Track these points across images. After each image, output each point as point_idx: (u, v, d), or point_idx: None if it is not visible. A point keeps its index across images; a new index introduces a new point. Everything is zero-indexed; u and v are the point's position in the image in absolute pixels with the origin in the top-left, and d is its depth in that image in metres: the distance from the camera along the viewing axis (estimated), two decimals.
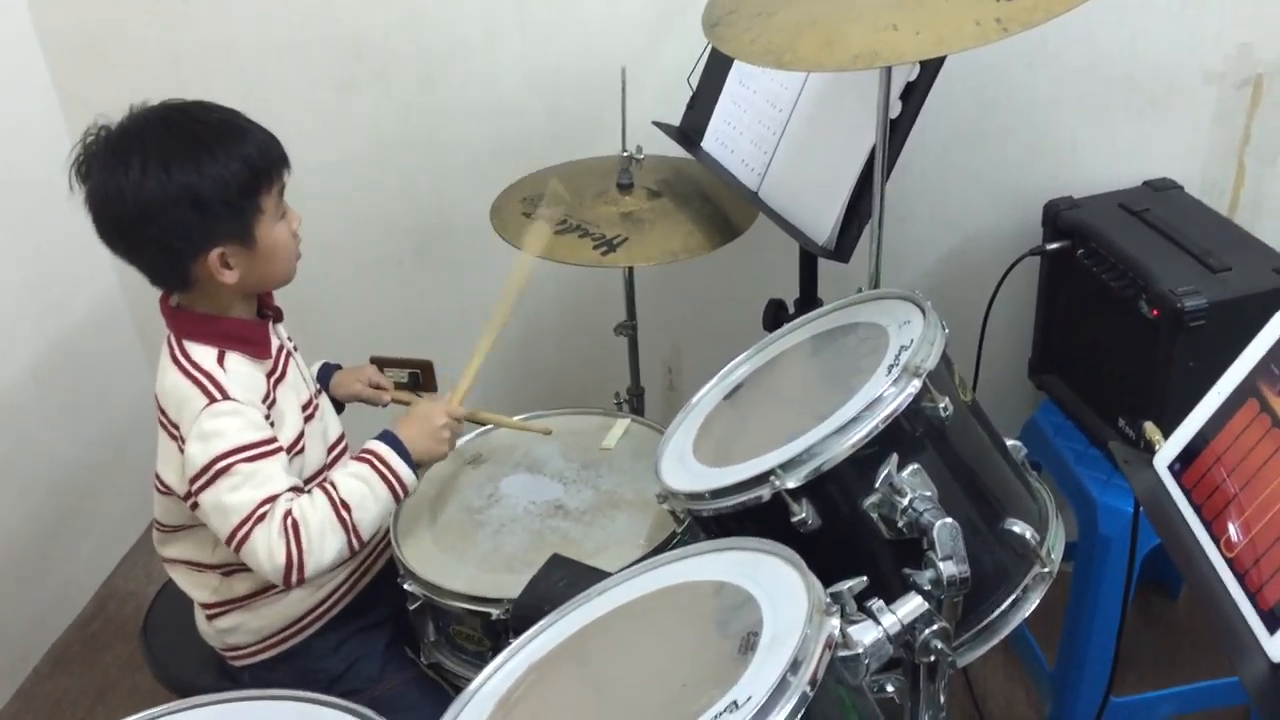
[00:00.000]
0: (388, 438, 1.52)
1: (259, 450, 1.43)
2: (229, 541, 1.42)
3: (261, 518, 1.40)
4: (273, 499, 1.41)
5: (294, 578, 1.41)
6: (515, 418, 1.81)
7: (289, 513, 1.41)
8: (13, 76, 2.27)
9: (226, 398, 1.43)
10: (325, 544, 1.42)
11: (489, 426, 1.85)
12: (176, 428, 1.45)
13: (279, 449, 1.46)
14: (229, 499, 1.40)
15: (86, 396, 2.47)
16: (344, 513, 1.44)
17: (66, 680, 2.36)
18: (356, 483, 1.47)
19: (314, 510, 1.42)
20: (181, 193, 1.38)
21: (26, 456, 2.33)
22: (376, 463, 1.49)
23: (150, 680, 1.75)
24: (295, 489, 1.45)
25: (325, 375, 1.79)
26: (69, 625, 2.48)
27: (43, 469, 2.37)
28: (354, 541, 1.45)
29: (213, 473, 1.40)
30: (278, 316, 1.59)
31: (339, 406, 1.79)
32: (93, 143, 1.42)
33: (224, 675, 1.66)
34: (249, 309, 1.54)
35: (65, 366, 2.41)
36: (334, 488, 1.46)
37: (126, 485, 2.56)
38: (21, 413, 2.31)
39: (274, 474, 1.43)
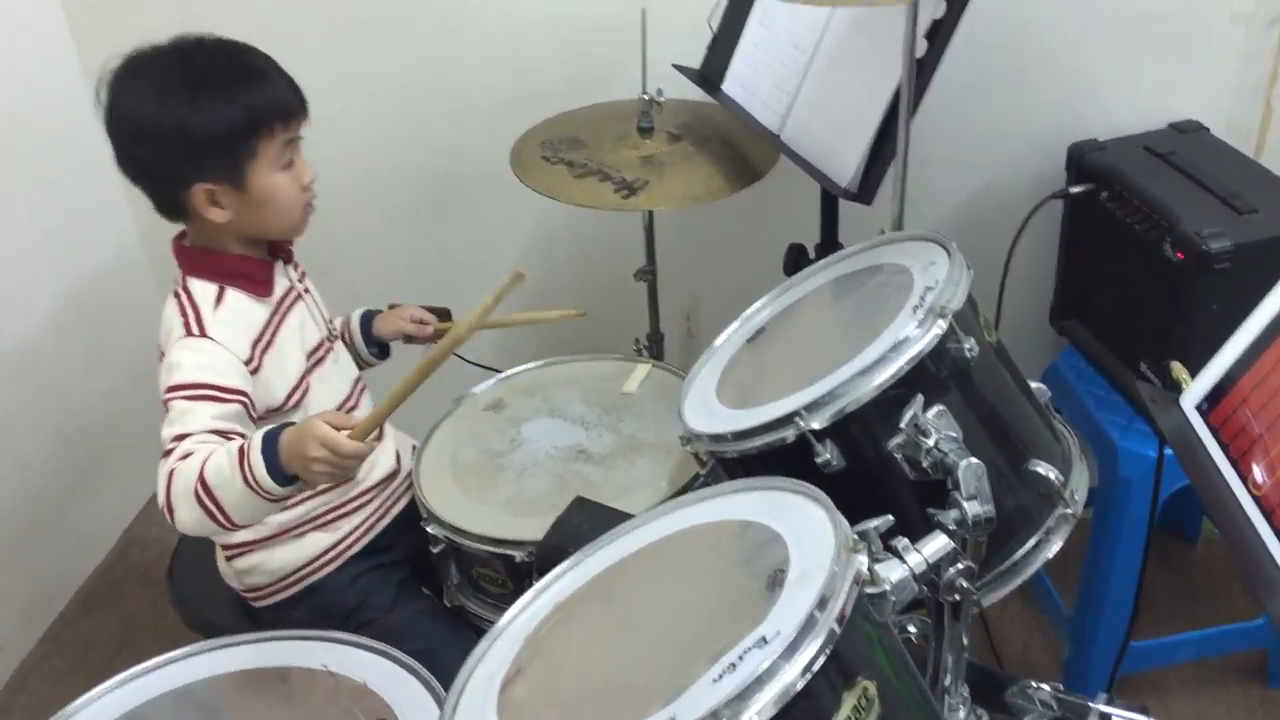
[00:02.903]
0: (269, 433, 1.31)
1: (201, 392, 1.40)
2: None
3: (167, 453, 1.36)
4: (180, 438, 1.35)
5: (168, 518, 1.34)
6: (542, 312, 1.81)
7: (182, 456, 1.33)
8: (28, 20, 2.25)
9: (203, 334, 1.44)
10: (182, 506, 1.32)
11: (508, 373, 1.85)
12: (162, 356, 1.46)
13: (231, 400, 1.41)
14: (161, 433, 1.39)
15: (107, 344, 2.48)
16: (200, 487, 1.30)
17: (92, 624, 2.39)
18: (225, 460, 1.31)
19: (185, 469, 1.32)
20: (171, 122, 1.40)
21: (49, 404, 2.34)
22: (245, 449, 1.31)
23: (173, 624, 1.77)
24: (221, 433, 1.37)
25: (367, 319, 1.79)
26: (94, 570, 2.51)
27: (65, 416, 2.39)
28: (219, 518, 1.32)
29: (163, 404, 1.41)
30: (288, 258, 1.60)
31: (385, 349, 1.80)
32: (120, 63, 1.44)
33: (246, 616, 1.68)
34: (258, 250, 1.55)
35: (85, 314, 2.42)
36: (206, 461, 1.31)
37: (148, 432, 2.52)
38: (43, 360, 2.32)
39: (200, 418, 1.37)
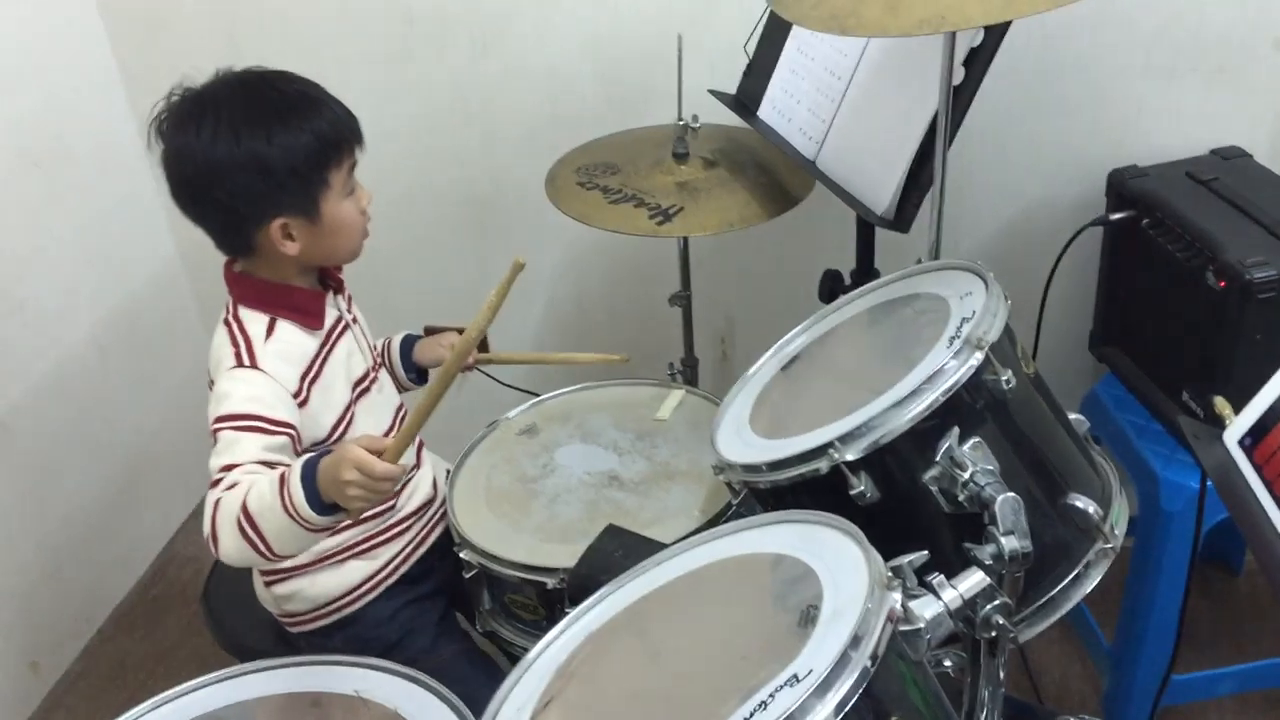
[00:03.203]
0: (308, 461, 1.30)
1: (249, 423, 1.39)
2: None
3: (215, 483, 1.35)
4: (228, 468, 1.35)
5: (213, 550, 1.33)
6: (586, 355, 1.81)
7: (228, 487, 1.33)
8: (74, 48, 2.29)
9: (254, 365, 1.44)
10: (225, 536, 1.31)
11: (542, 397, 1.86)
12: (211, 384, 1.47)
13: (278, 431, 1.41)
14: (210, 464, 1.37)
15: (147, 364, 2.50)
16: (243, 516, 1.30)
17: (129, 642, 2.40)
18: (267, 488, 1.30)
19: (230, 499, 1.31)
20: (249, 159, 1.39)
21: (90, 424, 2.37)
22: (285, 476, 1.30)
23: (210, 643, 1.79)
24: (268, 464, 1.37)
25: (408, 345, 1.79)
26: (131, 588, 2.53)
27: (105, 436, 2.42)
28: (262, 549, 1.30)
29: (211, 434, 1.40)
30: (339, 288, 1.60)
31: (423, 374, 1.79)
32: (175, 102, 1.44)
33: (282, 641, 1.68)
34: (309, 280, 1.55)
35: (127, 334, 2.45)
36: (248, 492, 1.31)
37: (187, 451, 2.59)
38: (84, 381, 2.35)
39: (248, 449, 1.37)
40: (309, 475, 1.27)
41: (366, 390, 1.60)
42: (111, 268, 2.41)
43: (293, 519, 1.27)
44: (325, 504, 1.27)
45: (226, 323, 1.49)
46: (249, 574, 1.70)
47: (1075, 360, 2.15)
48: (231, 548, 1.31)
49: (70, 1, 2.28)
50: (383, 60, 2.26)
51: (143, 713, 1.30)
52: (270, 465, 1.36)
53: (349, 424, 1.56)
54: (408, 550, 1.66)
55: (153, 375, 2.52)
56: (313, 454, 1.32)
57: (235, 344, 1.46)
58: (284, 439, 1.42)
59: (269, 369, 1.45)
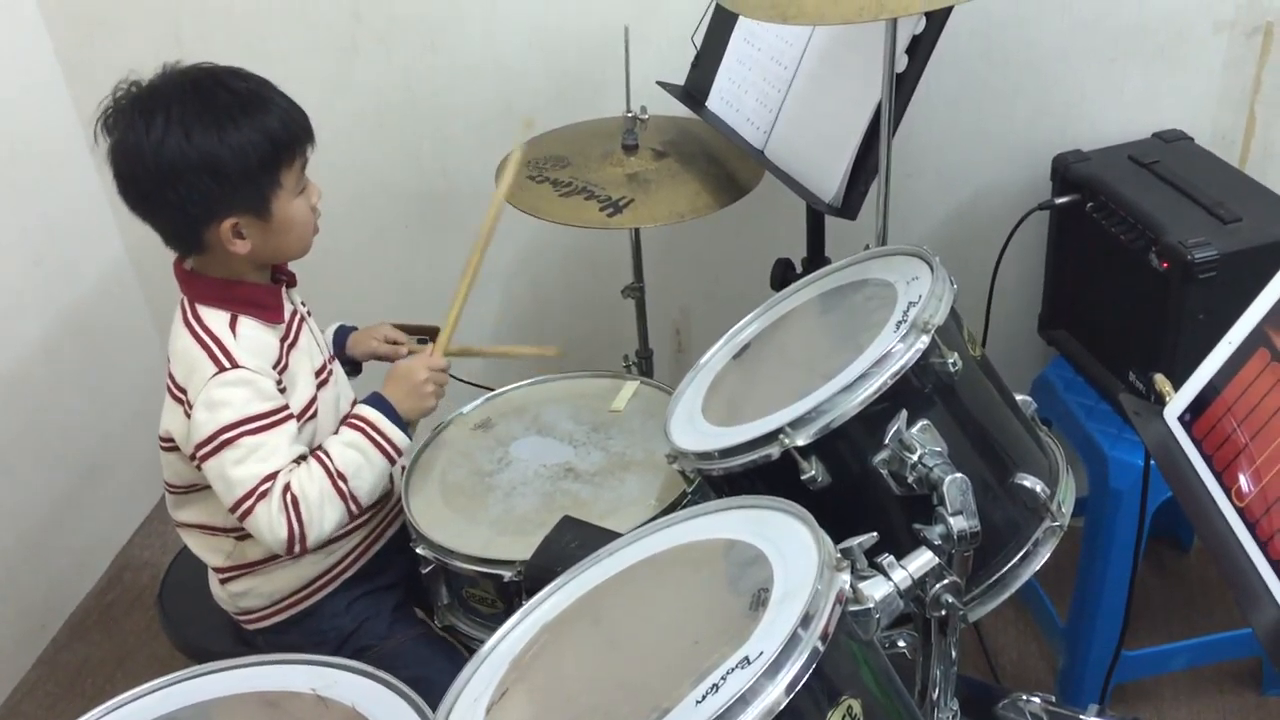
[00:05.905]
0: (375, 401, 1.53)
1: (265, 421, 1.43)
2: (232, 510, 1.44)
3: (264, 494, 1.41)
4: (273, 475, 1.42)
5: (296, 549, 1.44)
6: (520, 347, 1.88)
7: (288, 487, 1.42)
8: (16, 47, 2.26)
9: (235, 365, 1.43)
10: (325, 515, 1.45)
11: (497, 391, 1.85)
12: (184, 392, 1.45)
13: (288, 417, 1.46)
14: (232, 472, 1.41)
15: (98, 366, 2.47)
16: (340, 483, 1.46)
17: (85, 649, 2.38)
18: (351, 452, 1.49)
19: (312, 483, 1.44)
20: (200, 158, 1.38)
21: (40, 427, 2.34)
22: (368, 429, 1.51)
23: (168, 648, 1.77)
24: (299, 458, 1.46)
25: (341, 336, 1.78)
26: (86, 594, 2.50)
27: (56, 440, 2.38)
28: (352, 508, 1.48)
29: (218, 443, 1.41)
30: (291, 282, 1.59)
31: (357, 366, 1.79)
32: (121, 97, 1.41)
33: (239, 640, 1.67)
34: (261, 276, 1.54)
35: (76, 336, 2.42)
36: (329, 458, 1.47)
37: (140, 454, 2.55)
38: (34, 384, 2.32)
39: (278, 447, 1.43)
40: (388, 408, 1.51)
41: (325, 382, 1.60)
42: (59, 269, 2.37)
43: (389, 456, 1.51)
44: (406, 429, 1.53)
45: (188, 324, 1.46)
46: (205, 576, 1.69)
47: (1026, 343, 2.18)
48: (329, 523, 1.45)
49: (10, 1, 2.24)
50: (331, 55, 2.25)
51: (97, 717, 1.28)
52: (300, 458, 1.45)
53: (314, 417, 1.55)
54: (364, 545, 1.66)
55: (104, 378, 2.49)
56: (371, 396, 1.53)
57: (208, 349, 1.44)
58: (295, 422, 1.47)
59: (251, 365, 1.44)
